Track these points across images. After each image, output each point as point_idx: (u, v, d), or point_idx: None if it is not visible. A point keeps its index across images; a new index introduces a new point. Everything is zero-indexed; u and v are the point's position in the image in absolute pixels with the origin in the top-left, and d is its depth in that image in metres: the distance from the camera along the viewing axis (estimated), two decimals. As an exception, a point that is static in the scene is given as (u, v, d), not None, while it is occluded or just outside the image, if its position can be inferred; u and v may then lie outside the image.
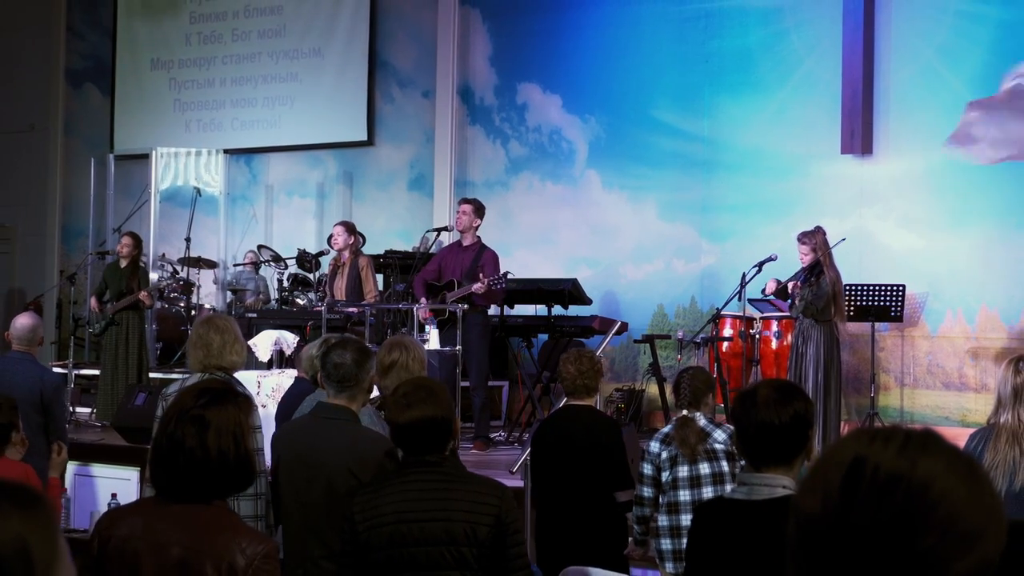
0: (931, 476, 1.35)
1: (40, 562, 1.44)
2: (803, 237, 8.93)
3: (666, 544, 5.41)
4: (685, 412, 5.51)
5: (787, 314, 9.33)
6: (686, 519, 5.27)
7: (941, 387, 10.05)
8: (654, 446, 5.51)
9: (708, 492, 5.33)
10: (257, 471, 3.11)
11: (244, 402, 3.06)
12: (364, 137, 13.04)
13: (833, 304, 8.78)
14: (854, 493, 1.35)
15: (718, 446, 5.40)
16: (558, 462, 5.66)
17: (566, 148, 11.89)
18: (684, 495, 5.37)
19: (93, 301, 10.95)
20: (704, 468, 5.38)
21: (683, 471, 5.39)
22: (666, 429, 5.59)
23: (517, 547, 3.52)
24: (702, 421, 5.48)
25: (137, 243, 10.96)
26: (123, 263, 10.82)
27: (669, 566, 5.39)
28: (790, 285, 8.93)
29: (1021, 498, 4.42)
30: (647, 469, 5.49)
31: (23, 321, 7.05)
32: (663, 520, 5.43)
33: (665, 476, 5.43)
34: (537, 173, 12.03)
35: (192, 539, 2.84)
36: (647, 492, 5.49)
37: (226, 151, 13.67)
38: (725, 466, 5.38)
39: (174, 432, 2.93)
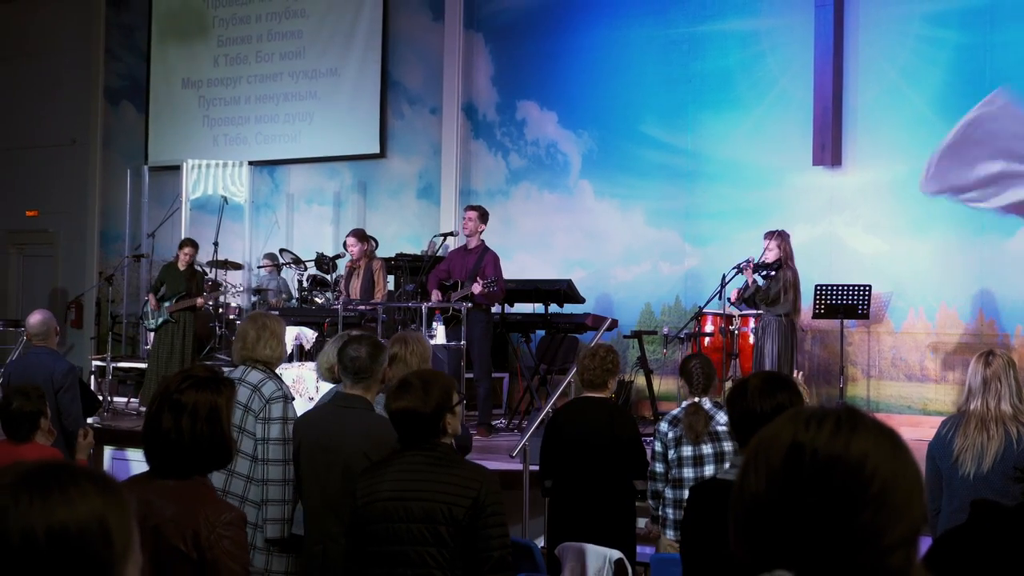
0: (863, 455, 1.35)
1: (119, 542, 1.42)
2: (772, 235, 9.08)
3: (670, 513, 5.44)
4: (696, 399, 5.46)
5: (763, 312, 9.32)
6: (688, 493, 5.27)
7: (904, 379, 10.02)
8: (663, 426, 5.50)
9: (710, 470, 5.31)
10: (234, 451, 3.06)
11: (225, 388, 3.00)
12: (377, 150, 13.00)
13: (784, 297, 8.86)
14: (797, 475, 1.35)
15: (721, 428, 5.36)
16: (575, 450, 5.56)
17: (561, 160, 11.85)
18: (688, 472, 5.37)
19: (151, 298, 10.86)
20: (707, 448, 5.35)
21: (687, 450, 5.38)
22: (675, 412, 5.56)
23: (493, 528, 3.46)
24: (707, 405, 5.44)
25: (196, 250, 10.98)
26: (182, 266, 10.80)
27: (670, 533, 5.40)
28: (748, 271, 8.96)
29: (989, 480, 4.39)
30: (658, 447, 5.50)
31: (35, 318, 7.00)
32: (668, 492, 5.44)
33: (671, 454, 5.41)
34: (535, 183, 11.99)
35: (167, 511, 2.82)
36: (659, 468, 5.50)
37: (251, 163, 13.64)
38: (727, 446, 5.34)
39: (154, 415, 2.92)
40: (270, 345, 4.86)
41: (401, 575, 3.45)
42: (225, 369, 5.97)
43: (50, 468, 1.43)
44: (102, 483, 1.44)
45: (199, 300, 10.63)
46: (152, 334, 10.99)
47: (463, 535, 3.43)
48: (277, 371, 8.03)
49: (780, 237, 9.03)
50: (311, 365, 8.04)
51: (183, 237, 12.05)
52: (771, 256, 8.98)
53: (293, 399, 4.92)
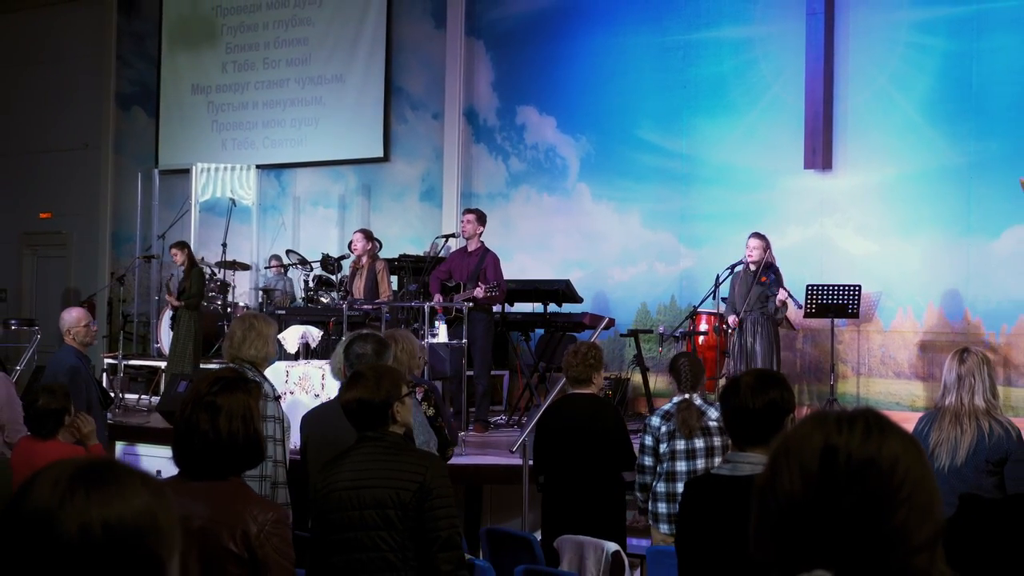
0: (895, 457, 1.35)
1: (169, 538, 1.40)
2: (759, 236, 9.04)
3: (662, 508, 5.40)
4: (687, 395, 5.45)
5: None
6: (681, 487, 5.25)
7: (893, 376, 10.03)
8: (655, 420, 5.48)
9: (701, 463, 5.32)
10: (265, 450, 3.06)
11: (253, 389, 3.02)
12: (381, 154, 13.01)
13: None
14: (832, 477, 1.34)
15: (712, 423, 5.38)
16: (562, 445, 5.58)
17: (560, 164, 11.85)
18: (681, 465, 5.36)
19: (170, 299, 11.00)
20: (699, 443, 5.36)
21: (680, 444, 5.37)
22: (667, 406, 5.54)
23: (440, 510, 3.51)
24: (697, 401, 5.44)
25: (182, 249, 10.94)
26: (183, 268, 10.85)
27: (664, 527, 5.37)
28: (789, 298, 8.91)
29: (962, 473, 4.40)
30: (648, 440, 5.47)
31: (61, 316, 7.02)
32: (660, 487, 5.40)
33: (663, 448, 5.41)
34: (534, 186, 12.00)
35: (210, 511, 2.81)
36: (648, 461, 5.47)
37: (258, 166, 13.64)
38: (717, 440, 5.37)
39: (190, 417, 2.91)
40: (255, 345, 4.82)
41: (358, 559, 3.51)
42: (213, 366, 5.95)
43: (102, 464, 1.41)
44: (149, 480, 1.43)
45: (168, 297, 10.73)
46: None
47: (411, 518, 3.49)
48: (285, 368, 8.10)
49: (766, 240, 9.05)
50: (317, 363, 8.04)
51: (183, 240, 12.05)
52: (755, 255, 8.96)
53: (279, 397, 4.92)
